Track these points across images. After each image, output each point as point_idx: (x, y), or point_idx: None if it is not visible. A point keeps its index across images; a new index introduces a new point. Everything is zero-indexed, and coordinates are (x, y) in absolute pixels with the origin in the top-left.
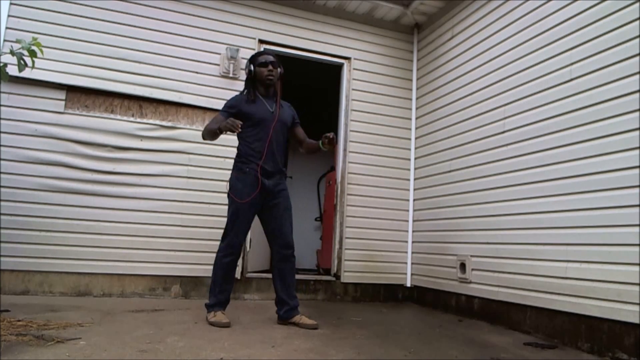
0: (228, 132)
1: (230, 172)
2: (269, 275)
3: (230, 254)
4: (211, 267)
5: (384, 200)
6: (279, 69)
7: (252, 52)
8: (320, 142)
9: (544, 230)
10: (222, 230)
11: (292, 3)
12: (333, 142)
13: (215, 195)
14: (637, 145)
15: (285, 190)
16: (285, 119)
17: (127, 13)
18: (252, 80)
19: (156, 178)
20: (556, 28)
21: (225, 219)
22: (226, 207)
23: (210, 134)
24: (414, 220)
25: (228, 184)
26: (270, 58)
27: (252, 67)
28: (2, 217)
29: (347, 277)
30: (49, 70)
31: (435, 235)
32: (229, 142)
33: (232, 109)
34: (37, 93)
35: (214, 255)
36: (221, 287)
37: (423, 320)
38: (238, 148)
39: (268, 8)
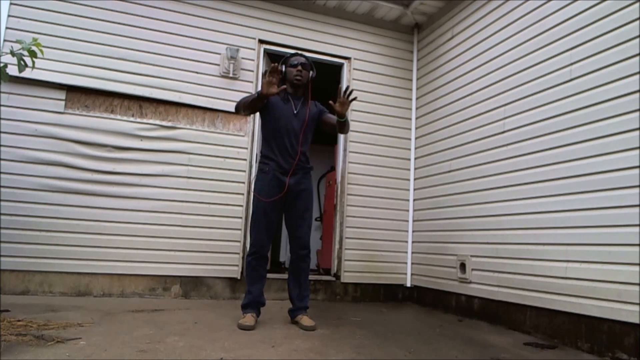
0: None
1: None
2: (269, 275)
3: (253, 252)
4: (212, 267)
5: (384, 200)
6: (310, 72)
7: (252, 52)
8: (336, 116)
9: (544, 230)
10: (221, 230)
11: (292, 3)
12: (343, 101)
13: (215, 195)
14: (637, 145)
15: (306, 190)
16: (309, 119)
17: (127, 13)
18: (283, 80)
19: (156, 178)
20: (556, 28)
21: (224, 219)
22: (226, 207)
23: (248, 106)
24: (414, 220)
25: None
26: (301, 60)
27: (283, 68)
28: (2, 217)
29: (347, 277)
30: (49, 70)
31: (435, 235)
32: (229, 143)
33: None
34: (37, 93)
35: (214, 255)
36: (249, 287)
37: (423, 320)
38: (260, 148)
39: (268, 8)
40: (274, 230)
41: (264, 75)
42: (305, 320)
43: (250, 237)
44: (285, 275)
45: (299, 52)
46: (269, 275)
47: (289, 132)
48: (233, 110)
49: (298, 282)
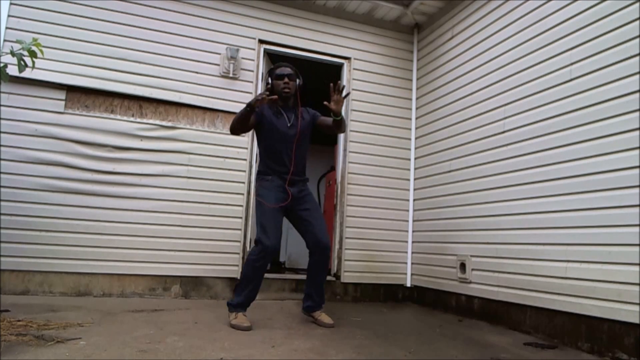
0: (257, 107)
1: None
2: (269, 275)
3: (262, 257)
4: (212, 267)
5: (384, 200)
6: (297, 81)
7: (252, 52)
8: (332, 115)
9: (544, 230)
10: (221, 230)
11: (292, 3)
12: (337, 99)
13: (215, 195)
14: (637, 145)
15: (309, 194)
16: (303, 128)
17: (127, 13)
18: (270, 92)
19: (156, 178)
20: (556, 28)
21: (224, 219)
22: (226, 207)
23: (240, 121)
24: (414, 220)
25: (254, 192)
26: (287, 71)
27: (269, 80)
28: (2, 217)
29: (347, 277)
30: (49, 70)
31: (435, 235)
32: (229, 143)
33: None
34: (37, 93)
35: (214, 255)
36: (251, 290)
37: (423, 320)
38: (259, 161)
39: (268, 8)
40: (281, 232)
41: (256, 96)
42: (324, 317)
43: (258, 241)
44: (286, 275)
45: (284, 63)
46: (269, 276)
47: (286, 146)
48: (233, 111)
49: (320, 280)
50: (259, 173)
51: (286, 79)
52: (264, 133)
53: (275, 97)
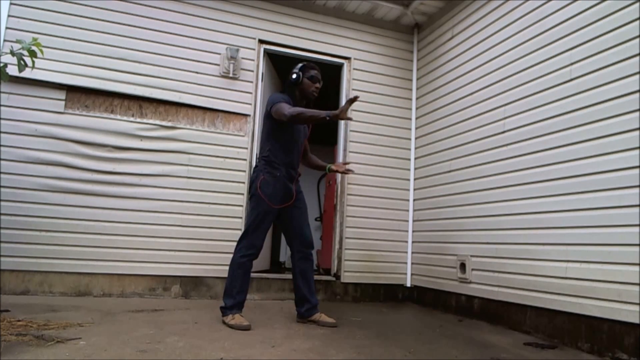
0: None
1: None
2: (269, 275)
3: (251, 254)
4: (212, 267)
5: (384, 200)
6: None
7: (252, 52)
8: (328, 167)
9: (544, 230)
10: (221, 230)
11: (292, 3)
12: (343, 169)
13: (215, 195)
14: (637, 145)
15: (301, 192)
16: (307, 134)
17: (127, 13)
18: (294, 86)
19: (156, 178)
20: (556, 28)
21: (224, 219)
22: (226, 207)
23: (310, 121)
24: (414, 220)
25: (254, 185)
26: (319, 76)
27: (301, 75)
28: (2, 217)
29: (347, 277)
30: (49, 70)
31: (435, 235)
32: (229, 143)
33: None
34: (37, 93)
35: (214, 255)
36: (240, 288)
37: (423, 320)
38: (268, 152)
39: (268, 8)
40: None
41: (348, 101)
42: (325, 317)
43: (247, 238)
44: (286, 275)
45: (316, 66)
46: (268, 275)
47: (299, 145)
48: (233, 111)
49: (307, 280)
50: (267, 163)
51: (318, 84)
52: (291, 127)
53: (351, 119)
